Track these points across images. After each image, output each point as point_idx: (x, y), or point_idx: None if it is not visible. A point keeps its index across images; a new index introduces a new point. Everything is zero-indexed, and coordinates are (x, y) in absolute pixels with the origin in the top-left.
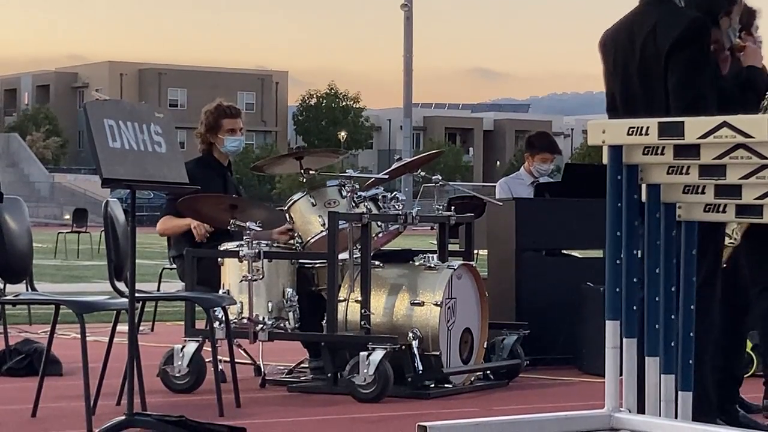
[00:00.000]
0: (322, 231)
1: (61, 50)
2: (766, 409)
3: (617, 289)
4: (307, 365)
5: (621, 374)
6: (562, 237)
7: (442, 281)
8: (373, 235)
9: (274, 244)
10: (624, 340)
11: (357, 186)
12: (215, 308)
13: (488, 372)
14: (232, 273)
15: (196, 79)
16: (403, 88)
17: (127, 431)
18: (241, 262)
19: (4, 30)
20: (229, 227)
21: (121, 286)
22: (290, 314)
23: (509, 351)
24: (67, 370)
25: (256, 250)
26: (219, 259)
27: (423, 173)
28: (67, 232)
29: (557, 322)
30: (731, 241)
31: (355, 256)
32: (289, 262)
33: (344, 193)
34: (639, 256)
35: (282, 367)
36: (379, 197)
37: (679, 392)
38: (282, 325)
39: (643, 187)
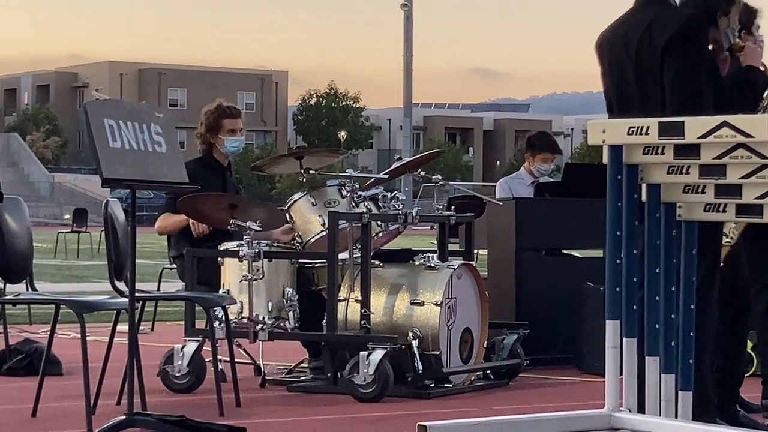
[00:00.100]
0: (322, 231)
1: (61, 50)
2: (765, 408)
3: (617, 289)
4: (306, 365)
5: (621, 374)
6: (562, 237)
7: (442, 281)
8: (373, 234)
9: (275, 244)
10: (624, 339)
11: (357, 186)
12: (215, 308)
13: (488, 372)
14: (232, 273)
15: (196, 79)
16: (403, 87)
17: (127, 431)
18: (241, 261)
19: (4, 30)
20: (228, 227)
21: (121, 285)
22: (290, 314)
23: (509, 351)
24: (67, 370)
25: (256, 250)
26: (219, 259)
27: (423, 173)
28: (67, 232)
29: (557, 322)
30: (728, 240)
31: (355, 255)
32: (289, 262)
33: (344, 193)
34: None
35: (282, 367)
36: (379, 197)
37: (679, 392)
38: (282, 324)
39: (643, 186)
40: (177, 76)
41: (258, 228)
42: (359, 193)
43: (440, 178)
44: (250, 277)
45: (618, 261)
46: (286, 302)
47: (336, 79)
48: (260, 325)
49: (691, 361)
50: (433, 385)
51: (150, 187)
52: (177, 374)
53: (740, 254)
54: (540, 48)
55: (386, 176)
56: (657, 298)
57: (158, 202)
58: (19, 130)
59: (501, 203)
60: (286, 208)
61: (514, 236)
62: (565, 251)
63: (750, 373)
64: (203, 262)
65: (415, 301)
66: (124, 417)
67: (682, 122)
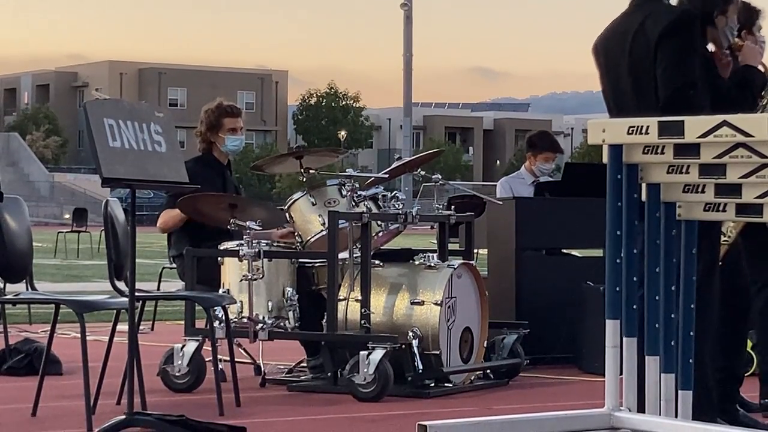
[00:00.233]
0: (322, 230)
1: (61, 50)
2: (764, 408)
3: (617, 288)
4: (305, 364)
5: (621, 373)
6: (562, 236)
7: (442, 280)
8: (373, 234)
9: (274, 244)
10: (624, 339)
11: (357, 185)
12: (215, 307)
13: (488, 371)
14: (232, 272)
15: (196, 79)
16: (402, 87)
17: (127, 430)
18: (241, 261)
19: (4, 30)
20: (228, 226)
21: (121, 285)
22: (290, 313)
23: (509, 350)
24: (67, 370)
25: (256, 250)
26: (219, 259)
27: (423, 172)
28: (67, 232)
29: (557, 322)
30: (726, 238)
31: (355, 255)
32: (289, 262)
33: (344, 193)
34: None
35: (282, 367)
36: (379, 196)
37: (679, 391)
38: (282, 324)
39: (643, 186)
40: (177, 76)
41: (258, 228)
42: (359, 192)
43: (440, 177)
44: (250, 277)
45: (618, 260)
46: (286, 302)
47: (336, 79)
48: (260, 325)
49: (691, 361)
50: (433, 384)
51: (150, 187)
52: (177, 374)
53: (739, 254)
54: (540, 47)
55: (386, 176)
56: (657, 298)
57: (158, 202)
58: (19, 130)
59: (501, 203)
60: (286, 207)
61: (514, 236)
62: (565, 251)
63: (750, 372)
64: (203, 261)
65: (415, 301)
66: (124, 417)
67: (682, 122)
